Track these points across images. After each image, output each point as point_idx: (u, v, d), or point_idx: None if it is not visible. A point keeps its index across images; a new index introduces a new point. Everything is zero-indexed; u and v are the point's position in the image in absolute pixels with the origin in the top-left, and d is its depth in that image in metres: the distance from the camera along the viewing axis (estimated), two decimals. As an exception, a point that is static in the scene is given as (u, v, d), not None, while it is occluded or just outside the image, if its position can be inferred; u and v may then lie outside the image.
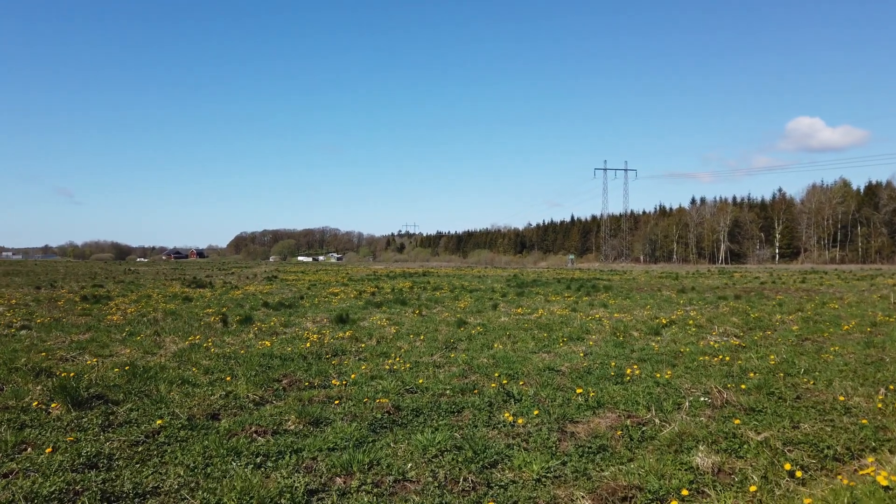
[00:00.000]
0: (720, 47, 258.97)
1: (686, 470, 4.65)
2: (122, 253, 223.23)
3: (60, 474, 4.31)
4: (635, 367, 8.86)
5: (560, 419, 5.98)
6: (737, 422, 5.65)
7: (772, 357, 9.47)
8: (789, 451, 5.01)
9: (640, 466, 4.69)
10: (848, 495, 3.93)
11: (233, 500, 3.93)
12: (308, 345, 10.79)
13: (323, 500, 4.11)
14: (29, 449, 4.76)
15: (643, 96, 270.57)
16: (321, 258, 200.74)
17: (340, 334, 12.24)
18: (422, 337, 11.97)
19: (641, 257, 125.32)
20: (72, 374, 7.41)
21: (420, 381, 7.75)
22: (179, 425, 5.45)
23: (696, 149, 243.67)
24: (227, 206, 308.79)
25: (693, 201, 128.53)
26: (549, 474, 4.59)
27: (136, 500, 4.02)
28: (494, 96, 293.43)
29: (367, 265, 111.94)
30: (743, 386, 7.37)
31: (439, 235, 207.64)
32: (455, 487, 4.33)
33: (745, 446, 5.09)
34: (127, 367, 8.03)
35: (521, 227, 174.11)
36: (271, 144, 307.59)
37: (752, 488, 4.27)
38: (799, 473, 4.52)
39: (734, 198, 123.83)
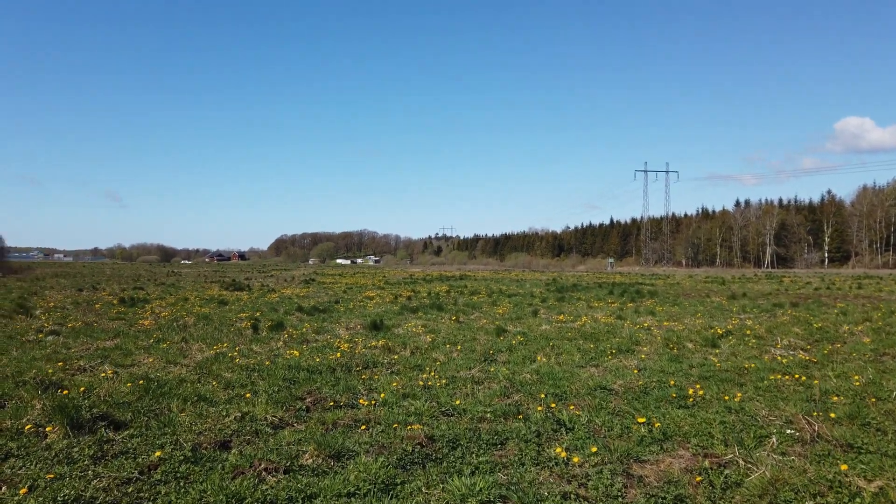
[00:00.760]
0: (764, 46, 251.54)
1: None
2: (167, 255, 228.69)
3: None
4: (698, 386, 7.90)
5: (623, 457, 5.09)
6: (844, 467, 4.66)
7: (855, 377, 8.36)
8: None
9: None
10: None
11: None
12: (338, 355, 10.12)
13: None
14: (3, 488, 4.13)
15: (684, 96, 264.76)
16: (359, 261, 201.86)
17: (373, 343, 11.55)
18: (459, 347, 11.19)
19: (683, 261, 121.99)
20: (81, 389, 6.87)
21: (457, 401, 6.95)
22: (181, 457, 4.77)
23: (738, 150, 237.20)
24: (268, 210, 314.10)
25: (737, 203, 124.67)
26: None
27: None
28: (532, 98, 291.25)
29: (405, 268, 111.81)
30: (832, 415, 6.34)
31: (476, 238, 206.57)
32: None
33: (858, 499, 4.14)
34: (141, 382, 7.44)
35: (558, 230, 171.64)
36: (312, 149, 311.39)
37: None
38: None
39: (780, 200, 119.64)
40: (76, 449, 4.90)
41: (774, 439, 5.43)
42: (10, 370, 8.28)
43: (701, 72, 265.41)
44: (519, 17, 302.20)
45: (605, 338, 12.44)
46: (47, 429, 5.29)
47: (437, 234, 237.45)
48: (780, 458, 5.03)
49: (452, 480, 4.37)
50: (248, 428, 5.76)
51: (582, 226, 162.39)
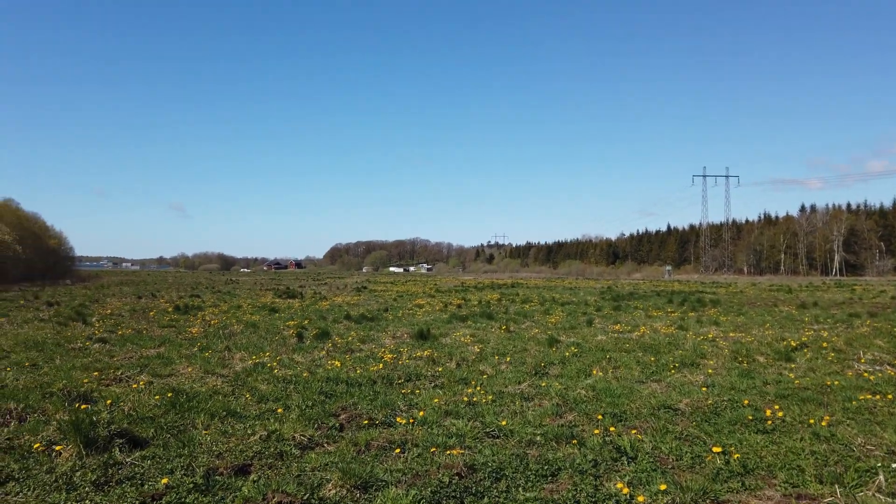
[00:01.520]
0: (827, 44, 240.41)
1: None
2: (227, 264, 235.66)
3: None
4: (776, 407, 7.01)
5: (698, 497, 4.33)
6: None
7: (963, 399, 7.29)
8: None
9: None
10: None
11: None
12: (380, 366, 9.63)
13: None
14: (-10, 518, 3.76)
15: (745, 98, 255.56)
16: (412, 269, 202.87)
17: (418, 353, 11.03)
18: (508, 359, 10.53)
19: (745, 268, 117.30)
20: (108, 402, 6.56)
21: (504, 421, 6.30)
22: (190, 485, 4.29)
23: (802, 154, 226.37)
24: (324, 219, 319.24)
25: (802, 209, 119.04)
26: None
27: None
28: (586, 102, 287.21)
29: (456, 276, 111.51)
30: (946, 447, 5.41)
31: (529, 246, 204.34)
32: None
33: None
34: (169, 395, 7.10)
35: (613, 237, 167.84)
36: (366, 158, 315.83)
37: None
38: None
39: (848, 205, 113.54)
40: (79, 473, 4.50)
41: (881, 476, 4.56)
42: (47, 379, 8.12)
43: (762, 72, 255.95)
44: (570, 20, 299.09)
45: (667, 350, 11.56)
46: (58, 448, 4.94)
47: (489, 241, 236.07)
48: (891, 501, 4.20)
49: (495, 525, 3.74)
50: (272, 449, 5.27)
51: (637, 232, 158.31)
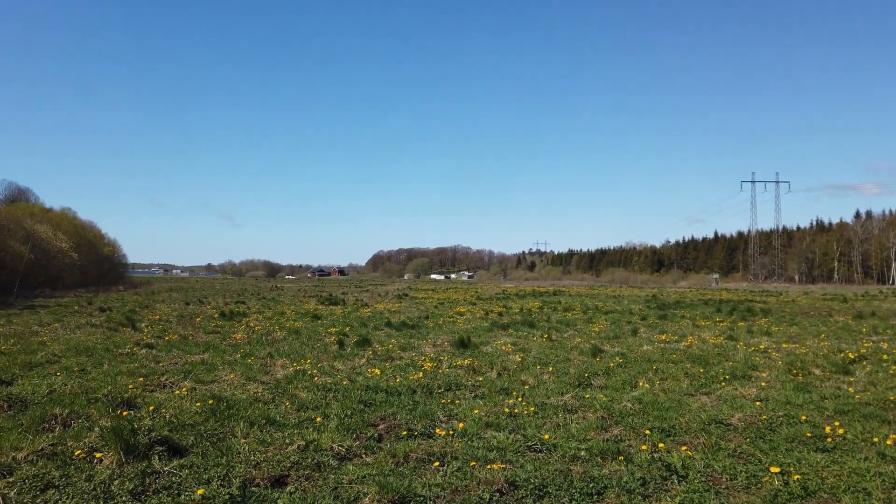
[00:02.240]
0: (884, 41, 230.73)
1: None
2: (272, 270, 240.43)
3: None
4: (836, 423, 6.62)
5: (756, 522, 4.08)
6: None
7: None
8: None
9: None
10: None
11: None
12: (420, 375, 9.53)
13: None
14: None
15: (797, 101, 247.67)
16: (453, 276, 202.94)
17: (459, 362, 10.89)
18: (550, 368, 10.29)
19: (796, 277, 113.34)
20: (150, 409, 6.63)
21: (546, 434, 6.10)
22: (226, 496, 4.24)
23: (858, 158, 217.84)
24: (367, 226, 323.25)
25: (857, 215, 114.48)
26: None
27: None
28: (629, 106, 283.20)
29: (498, 283, 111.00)
30: None
31: (571, 253, 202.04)
32: None
33: None
34: (210, 402, 7.14)
35: (657, 245, 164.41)
36: (409, 167, 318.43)
37: None
38: None
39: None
40: (117, 481, 4.51)
41: (960, 505, 4.22)
42: (94, 384, 8.28)
43: (815, 74, 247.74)
44: (614, 22, 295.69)
45: (716, 361, 11.14)
46: (98, 455, 4.97)
47: (530, 249, 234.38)
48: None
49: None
50: (310, 460, 5.20)
51: (683, 240, 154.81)
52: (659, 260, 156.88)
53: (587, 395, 8.11)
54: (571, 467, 5.16)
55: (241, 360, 11.14)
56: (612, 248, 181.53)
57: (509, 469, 5.04)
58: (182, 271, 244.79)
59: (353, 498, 4.33)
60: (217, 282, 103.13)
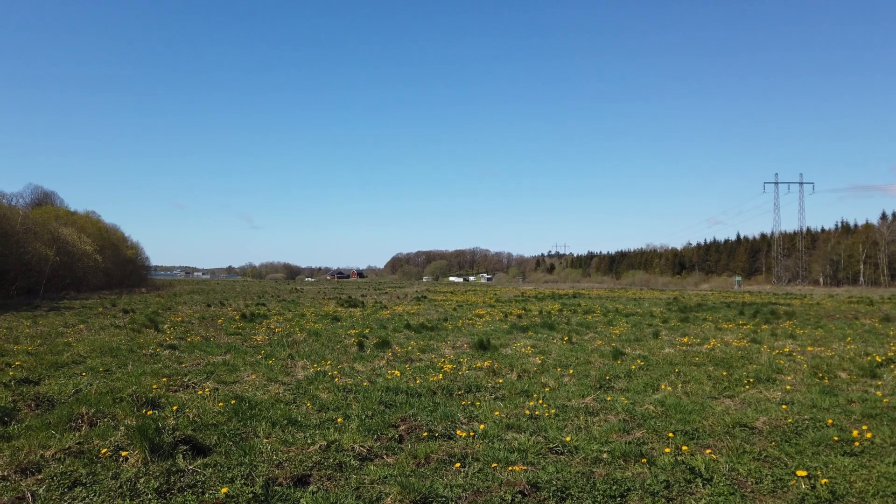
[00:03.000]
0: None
1: None
2: (292, 273, 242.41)
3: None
4: (864, 427, 6.49)
5: (783, 527, 4.01)
6: None
7: None
8: None
9: None
10: None
11: None
12: (440, 376, 9.53)
13: None
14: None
15: (820, 100, 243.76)
16: (472, 278, 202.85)
17: (478, 364, 10.88)
18: (571, 371, 10.23)
19: (821, 279, 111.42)
20: (174, 408, 6.71)
21: (567, 437, 6.06)
22: (250, 495, 4.27)
23: (884, 158, 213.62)
24: (385, 229, 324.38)
25: (883, 216, 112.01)
26: None
27: None
28: (649, 107, 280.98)
29: (516, 286, 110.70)
30: None
31: (590, 256, 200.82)
32: None
33: None
34: (233, 402, 7.21)
35: (679, 247, 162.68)
36: (427, 170, 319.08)
37: None
38: None
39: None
40: (143, 480, 4.58)
41: None
42: (119, 384, 8.41)
43: (840, 73, 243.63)
44: (633, 23, 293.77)
45: (739, 364, 10.99)
46: (124, 453, 5.05)
47: (549, 251, 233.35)
48: None
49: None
50: (331, 460, 5.23)
51: (705, 242, 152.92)
52: (680, 262, 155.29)
53: (608, 398, 8.05)
54: (594, 469, 5.13)
55: (262, 361, 11.24)
56: (632, 250, 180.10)
57: (531, 471, 5.02)
58: (203, 273, 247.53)
59: (374, 498, 4.35)
60: (237, 284, 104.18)
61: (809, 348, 13.41)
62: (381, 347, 13.24)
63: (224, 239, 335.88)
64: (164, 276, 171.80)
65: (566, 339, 15.01)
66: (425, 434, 6.22)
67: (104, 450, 5.22)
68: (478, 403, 7.76)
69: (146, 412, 6.61)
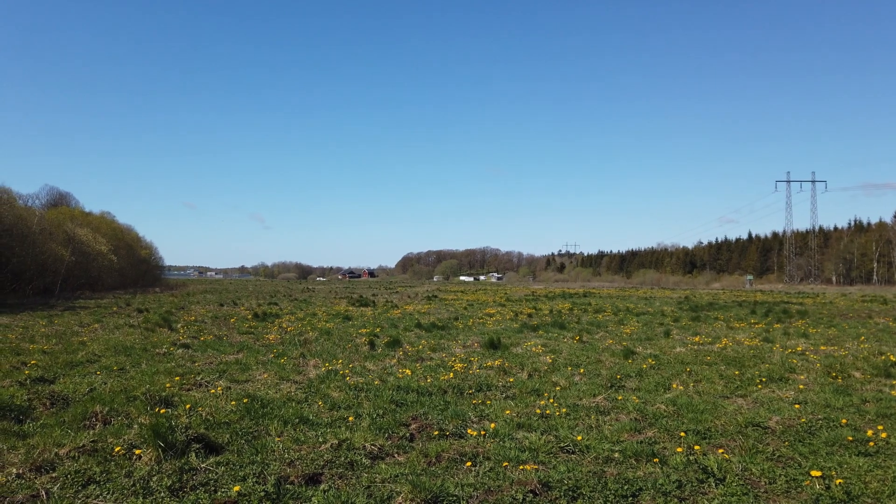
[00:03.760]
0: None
1: None
2: (304, 272, 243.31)
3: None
4: (879, 427, 6.43)
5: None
6: None
7: None
8: None
9: None
10: None
11: None
12: (451, 375, 9.54)
13: None
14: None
15: (832, 98, 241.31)
16: (482, 278, 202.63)
17: (489, 363, 10.87)
18: (581, 370, 10.20)
19: (833, 278, 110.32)
20: (187, 407, 6.76)
21: (579, 436, 6.05)
22: (262, 493, 4.30)
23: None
24: (396, 228, 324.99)
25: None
26: None
27: None
28: (660, 106, 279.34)
29: (527, 285, 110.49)
30: None
31: (601, 255, 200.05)
32: None
33: None
34: (245, 401, 7.26)
35: (690, 246, 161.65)
36: (438, 169, 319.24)
37: None
38: None
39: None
40: (156, 478, 4.62)
41: None
42: (132, 383, 8.48)
43: (852, 71, 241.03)
44: (648, 22, 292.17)
45: (752, 363, 10.91)
46: (137, 451, 5.10)
47: (559, 250, 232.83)
48: None
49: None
50: (343, 458, 5.25)
51: (716, 241, 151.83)
52: (691, 261, 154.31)
53: (620, 397, 8.02)
54: (605, 469, 5.11)
55: (274, 360, 11.29)
56: (643, 249, 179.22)
57: (542, 470, 5.01)
58: (216, 273, 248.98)
59: (386, 496, 4.36)
60: (250, 283, 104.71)
61: (822, 347, 13.29)
62: (392, 346, 13.27)
63: (237, 239, 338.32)
64: (177, 275, 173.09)
65: (577, 338, 14.97)
66: (436, 433, 6.23)
67: (118, 448, 5.28)
68: (488, 402, 7.76)
69: (159, 411, 6.67)
